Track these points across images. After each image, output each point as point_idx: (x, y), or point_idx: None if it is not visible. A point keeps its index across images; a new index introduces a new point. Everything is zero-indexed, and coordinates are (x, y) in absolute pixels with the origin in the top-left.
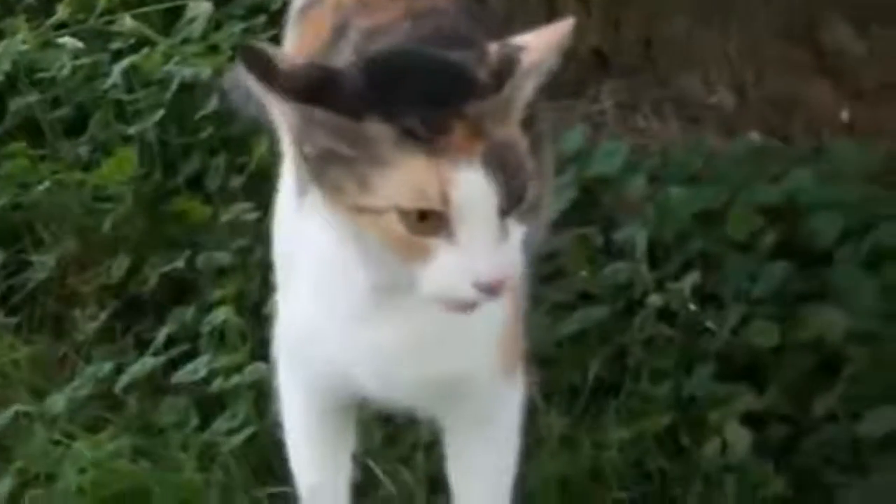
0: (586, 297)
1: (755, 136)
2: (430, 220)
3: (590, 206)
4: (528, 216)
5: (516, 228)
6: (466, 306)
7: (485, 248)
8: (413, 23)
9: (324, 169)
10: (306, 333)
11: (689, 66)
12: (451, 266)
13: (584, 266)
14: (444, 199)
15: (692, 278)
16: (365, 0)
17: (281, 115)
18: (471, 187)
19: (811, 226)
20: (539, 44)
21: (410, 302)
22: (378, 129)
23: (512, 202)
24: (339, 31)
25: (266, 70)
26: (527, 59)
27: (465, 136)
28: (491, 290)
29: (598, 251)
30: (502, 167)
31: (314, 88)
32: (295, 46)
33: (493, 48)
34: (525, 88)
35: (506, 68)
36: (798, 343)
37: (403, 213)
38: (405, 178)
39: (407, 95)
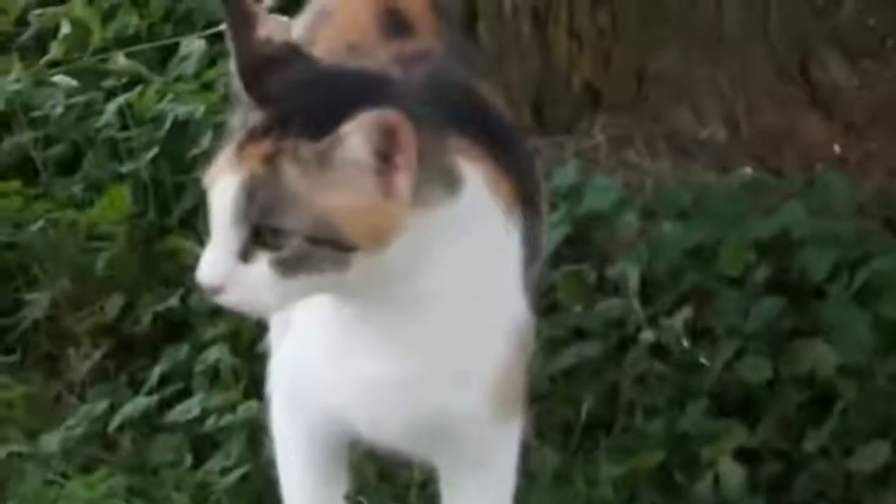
0: (579, 333)
1: (748, 170)
2: None
3: (583, 242)
4: (288, 270)
5: (264, 265)
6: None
7: (209, 251)
8: (404, 68)
9: None
10: (300, 371)
11: (681, 100)
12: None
13: (577, 302)
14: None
15: (685, 314)
16: (354, 45)
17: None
18: (219, 193)
19: (803, 260)
20: None
21: (398, 339)
22: (254, 117)
23: (254, 235)
24: None
25: (242, 21)
26: None
27: (260, 156)
28: (207, 289)
29: (590, 287)
30: (261, 202)
31: (260, 61)
32: None
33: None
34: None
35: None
36: (790, 378)
37: None
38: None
39: (293, 102)
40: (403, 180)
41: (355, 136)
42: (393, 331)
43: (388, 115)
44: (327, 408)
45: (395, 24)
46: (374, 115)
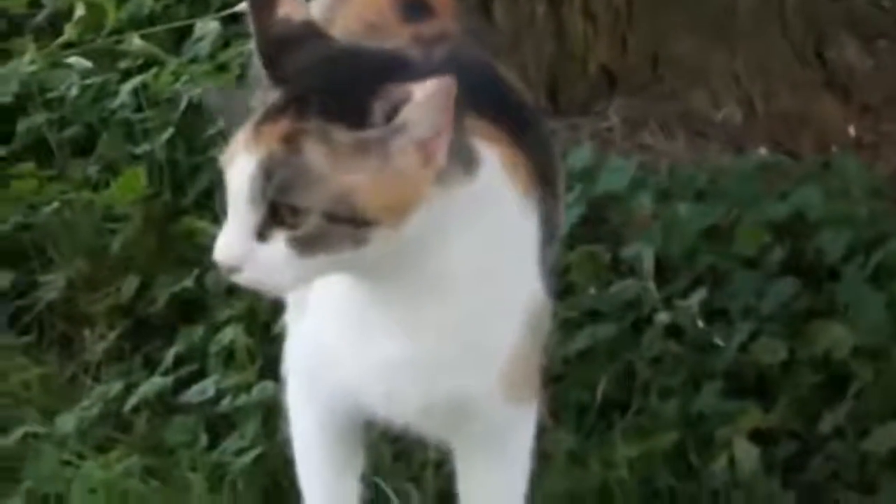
0: (594, 315)
1: (763, 151)
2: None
3: (598, 223)
4: (306, 248)
5: (281, 244)
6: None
7: (225, 230)
8: (424, 49)
9: None
10: (316, 351)
11: (696, 82)
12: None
13: (592, 283)
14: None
15: (700, 295)
16: (373, 25)
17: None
18: (236, 173)
19: (818, 242)
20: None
21: (414, 319)
22: (271, 96)
23: (271, 213)
24: None
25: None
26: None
27: (278, 135)
28: (224, 268)
29: (605, 268)
30: (279, 180)
31: (279, 41)
32: None
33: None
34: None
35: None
36: (805, 359)
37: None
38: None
39: (310, 81)
40: (444, 143)
41: (419, 117)
42: (409, 311)
43: (446, 82)
44: (344, 387)
45: (414, 5)
46: (435, 86)
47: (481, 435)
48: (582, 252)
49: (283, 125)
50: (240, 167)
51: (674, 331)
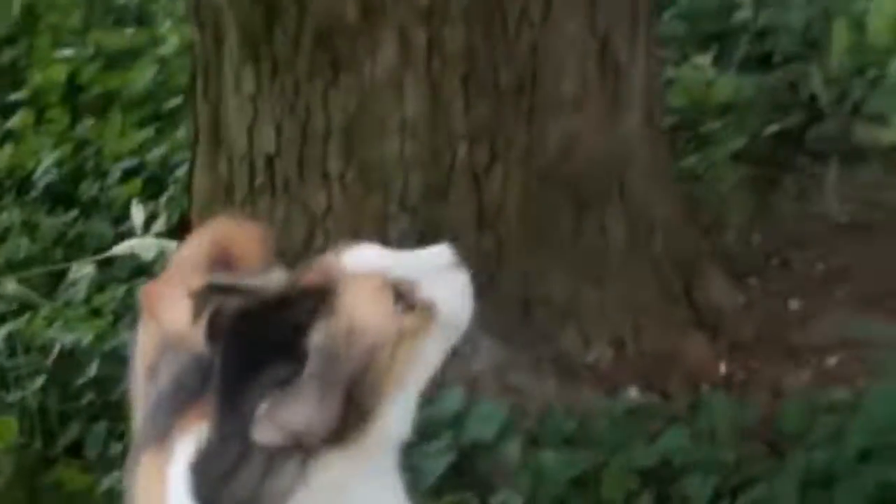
0: None
1: (633, 391)
2: None
3: (467, 470)
4: None
5: None
6: None
7: None
8: None
9: None
10: None
11: (567, 322)
12: None
13: None
14: None
15: None
16: (173, 345)
17: None
18: None
19: (685, 487)
20: None
21: None
22: None
23: None
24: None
25: None
26: None
27: None
28: None
29: None
30: None
31: None
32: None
33: None
34: None
35: None
36: None
37: None
38: None
39: None
40: None
41: None
42: None
43: None
44: None
45: None
46: None
47: None
48: (450, 500)
49: None
50: None
51: None
